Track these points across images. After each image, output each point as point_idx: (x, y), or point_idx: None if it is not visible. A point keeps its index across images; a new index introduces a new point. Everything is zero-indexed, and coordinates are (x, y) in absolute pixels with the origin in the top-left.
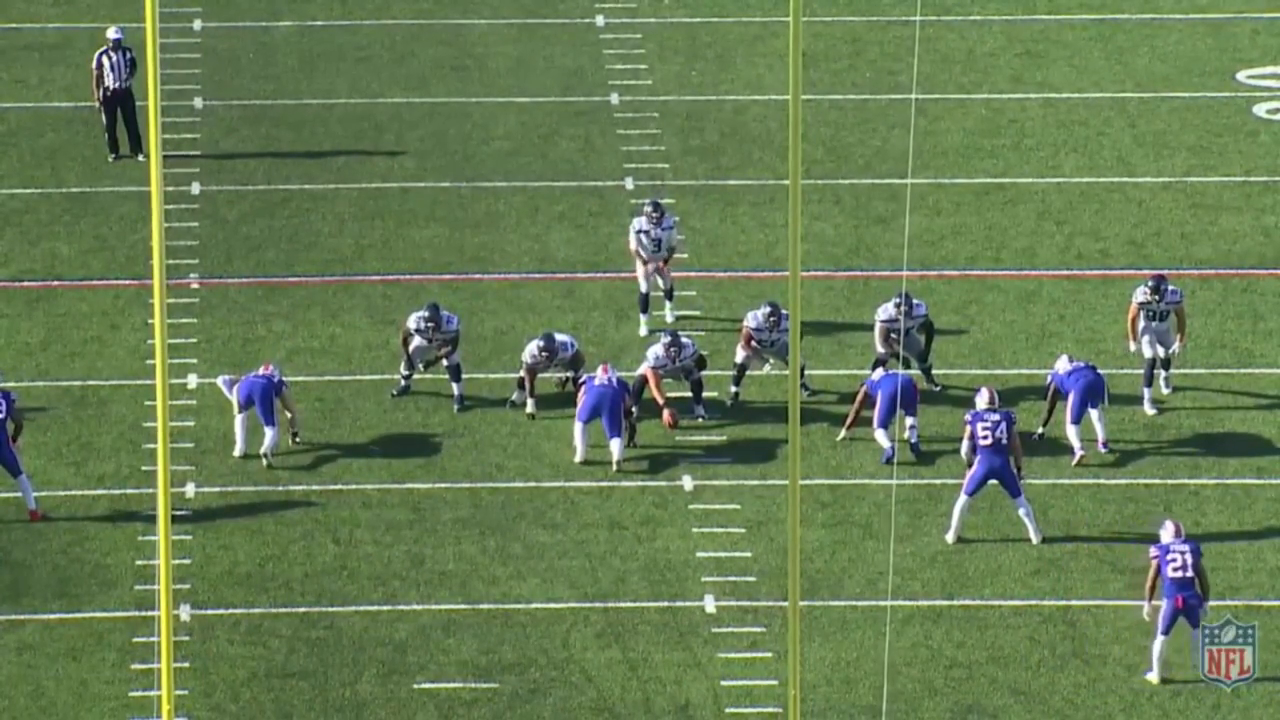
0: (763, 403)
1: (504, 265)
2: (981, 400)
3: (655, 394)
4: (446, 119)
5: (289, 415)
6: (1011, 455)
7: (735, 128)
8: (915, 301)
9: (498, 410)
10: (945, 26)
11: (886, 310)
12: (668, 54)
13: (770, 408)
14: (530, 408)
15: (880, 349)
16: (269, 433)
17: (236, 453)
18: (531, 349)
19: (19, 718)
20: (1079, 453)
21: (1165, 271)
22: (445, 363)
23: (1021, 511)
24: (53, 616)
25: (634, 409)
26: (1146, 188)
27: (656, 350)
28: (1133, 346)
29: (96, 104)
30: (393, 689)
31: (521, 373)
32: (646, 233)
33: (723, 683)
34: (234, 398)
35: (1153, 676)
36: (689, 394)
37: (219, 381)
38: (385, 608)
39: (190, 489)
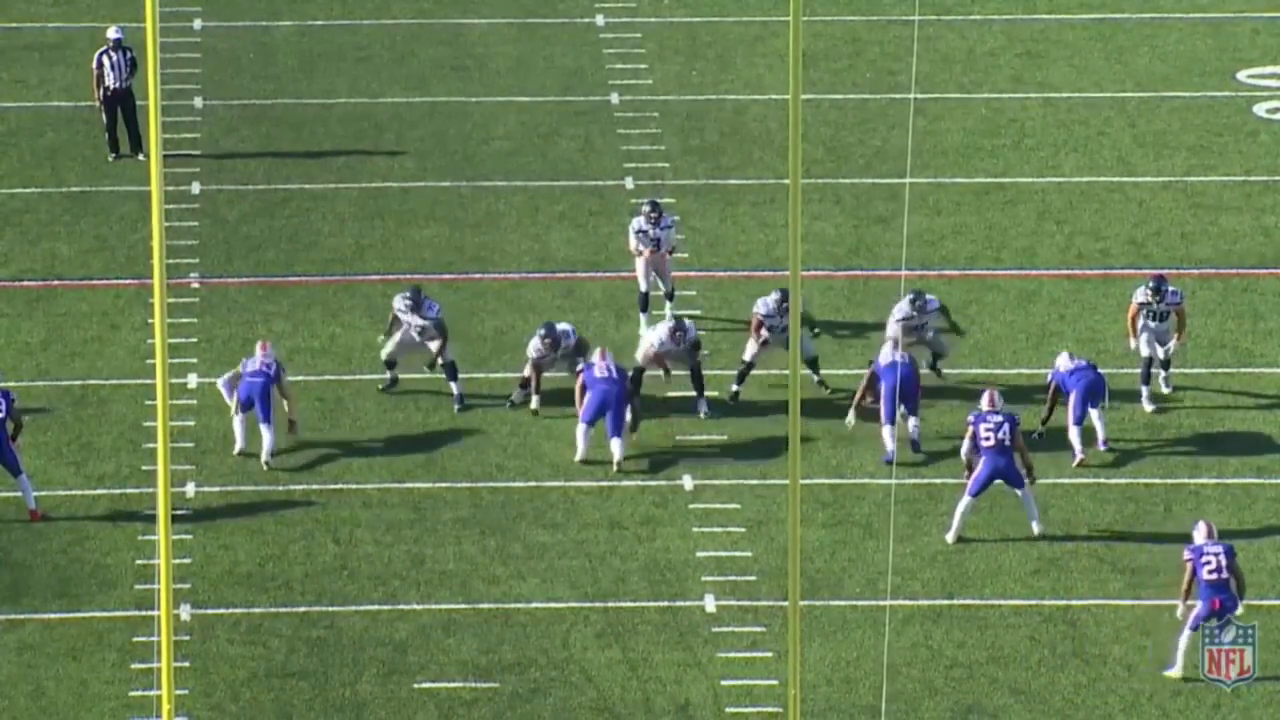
0: (763, 402)
1: (504, 265)
2: (985, 402)
3: (644, 366)
4: (446, 119)
5: (286, 404)
6: (1018, 455)
7: (735, 127)
8: (928, 297)
9: (498, 410)
10: (945, 26)
11: (902, 309)
12: (668, 54)
13: (770, 407)
14: (535, 404)
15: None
16: (266, 436)
17: (236, 450)
18: (535, 343)
19: (19, 717)
20: (1079, 455)
21: (1165, 271)
22: (440, 361)
23: (1021, 493)
24: (53, 616)
25: (636, 398)
26: (1147, 187)
27: (661, 334)
28: (1132, 344)
29: (97, 104)
30: (393, 689)
31: (527, 371)
32: (645, 232)
33: (723, 682)
34: (233, 400)
35: (1174, 672)
36: (691, 393)
37: (219, 384)
38: (385, 607)
39: (190, 488)
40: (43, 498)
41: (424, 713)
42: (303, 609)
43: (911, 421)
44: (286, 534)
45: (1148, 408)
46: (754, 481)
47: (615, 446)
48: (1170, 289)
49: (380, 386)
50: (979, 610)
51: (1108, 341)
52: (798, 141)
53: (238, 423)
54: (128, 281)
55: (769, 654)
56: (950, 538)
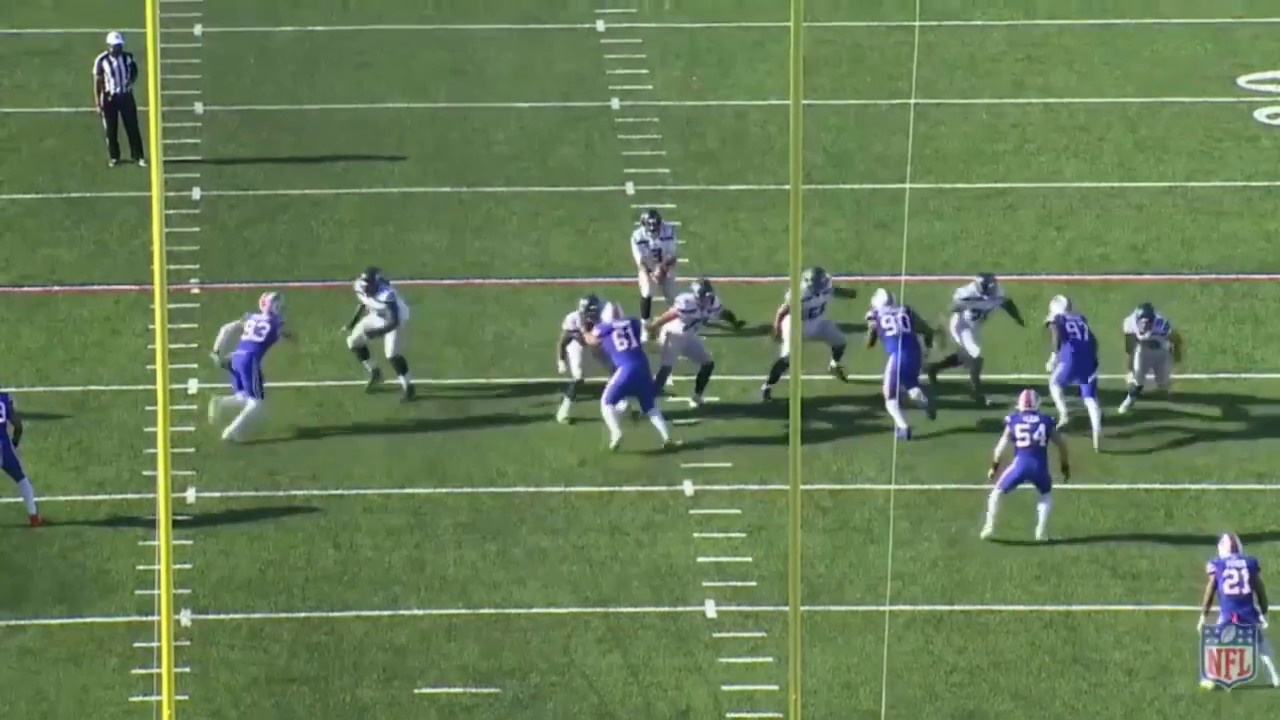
0: (763, 407)
1: (505, 270)
2: (1021, 403)
3: (659, 322)
4: (447, 124)
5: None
6: (1056, 454)
7: (736, 133)
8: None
9: (498, 415)
10: (946, 31)
11: (969, 289)
12: (668, 59)
13: (771, 412)
14: (565, 413)
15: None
16: (241, 411)
17: (234, 426)
18: (572, 316)
19: None
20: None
21: (1167, 277)
22: (388, 354)
23: (1042, 507)
24: (53, 621)
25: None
26: (1147, 192)
27: (688, 297)
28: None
29: (97, 109)
30: (394, 694)
31: (571, 369)
32: (645, 243)
33: (724, 688)
34: (218, 354)
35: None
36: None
37: (220, 332)
38: (386, 613)
39: (191, 494)
40: (43, 503)
41: (425, 718)
42: (303, 614)
43: (914, 391)
44: (287, 539)
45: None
46: (754, 487)
47: (659, 425)
48: (1159, 318)
49: (366, 387)
50: (980, 615)
51: (1105, 346)
52: (798, 147)
53: (218, 365)
54: (128, 287)
55: (770, 659)
56: (986, 533)
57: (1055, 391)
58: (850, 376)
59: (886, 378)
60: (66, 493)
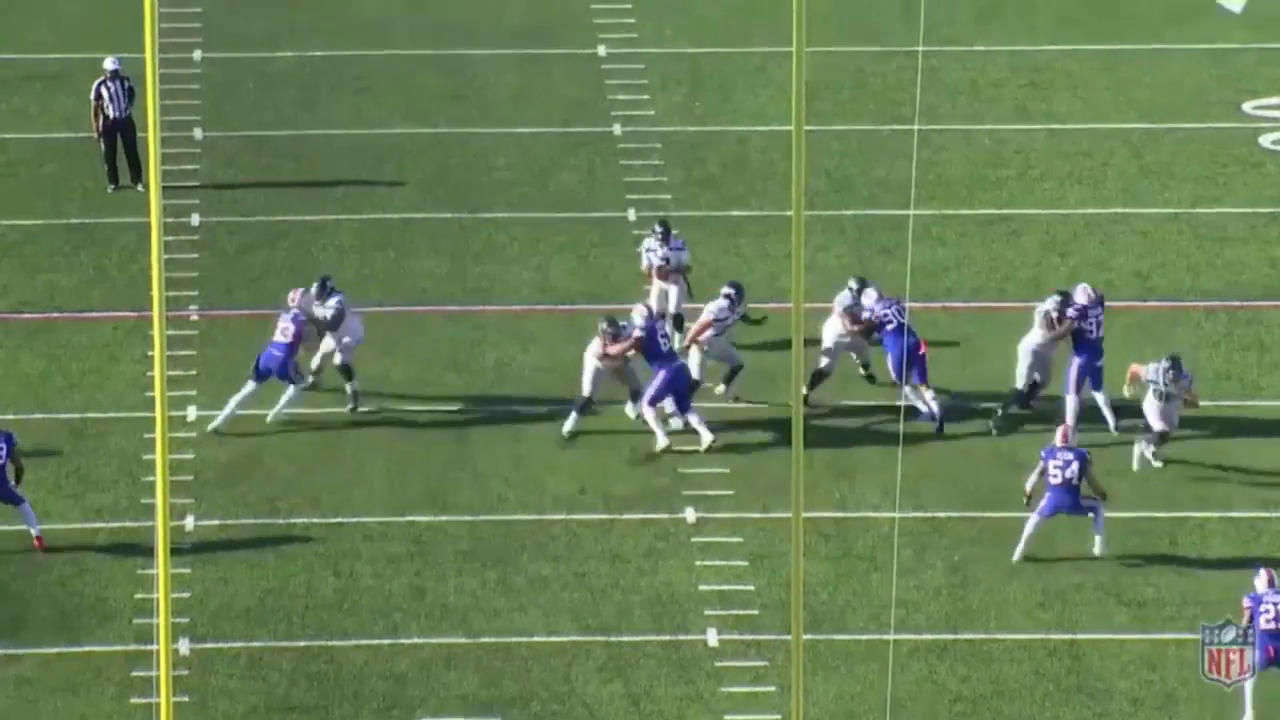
0: (765, 435)
1: (505, 297)
2: (1058, 438)
3: (694, 334)
4: (448, 149)
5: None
6: (1087, 486)
7: (738, 158)
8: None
9: (499, 442)
10: (949, 57)
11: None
12: (670, 84)
13: (772, 440)
14: (570, 426)
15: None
16: (286, 394)
17: (222, 416)
18: (720, 303)
19: None
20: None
21: (1171, 303)
22: (336, 361)
23: (1096, 534)
24: (51, 650)
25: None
26: (1152, 219)
27: (720, 303)
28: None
29: (96, 134)
30: None
31: (584, 385)
32: (655, 251)
33: (726, 717)
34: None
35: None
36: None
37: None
38: (386, 641)
39: (190, 522)
40: (41, 531)
41: None
42: (303, 643)
43: (930, 394)
44: (286, 567)
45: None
46: (756, 515)
47: (700, 429)
48: (1186, 372)
49: (348, 409)
50: (983, 644)
51: (1110, 372)
52: (801, 172)
53: (248, 390)
54: (127, 313)
55: (772, 688)
56: (1017, 556)
57: (1070, 403)
58: (850, 403)
59: (891, 370)
60: (64, 520)
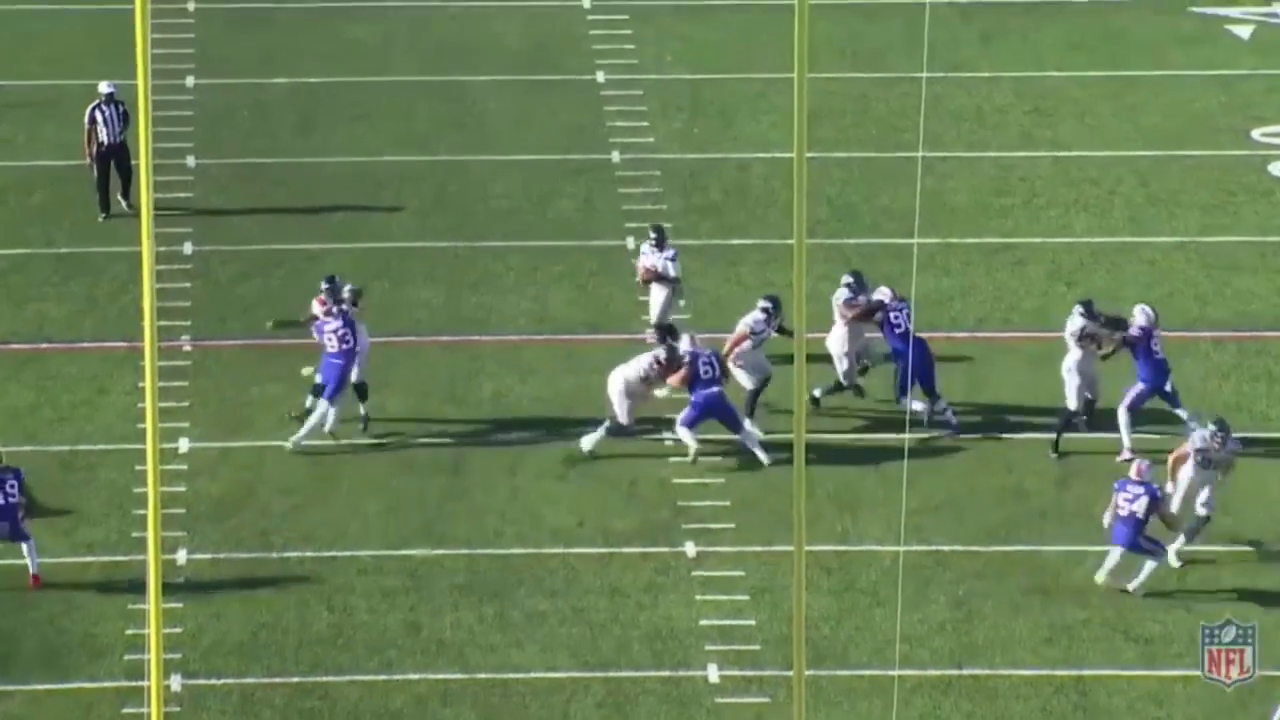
0: (766, 468)
1: (502, 326)
2: (1133, 471)
3: (731, 347)
4: (444, 177)
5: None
6: (1158, 520)
7: (739, 186)
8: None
9: (496, 474)
10: (953, 83)
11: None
12: (670, 111)
13: (774, 473)
14: (591, 444)
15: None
16: (322, 410)
17: (327, 429)
18: (756, 316)
19: None
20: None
21: (1179, 334)
22: (354, 377)
23: (1147, 563)
24: (41, 687)
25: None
26: (1159, 247)
27: (756, 315)
28: (1174, 501)
29: (88, 159)
30: None
31: (619, 413)
32: (647, 255)
33: None
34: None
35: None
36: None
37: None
38: (381, 677)
39: (182, 556)
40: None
41: None
42: (296, 679)
43: (941, 403)
44: (280, 602)
45: (1175, 563)
46: (758, 548)
47: (755, 448)
48: (1234, 435)
49: (360, 428)
50: (988, 680)
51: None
52: (803, 200)
53: (332, 412)
54: (118, 344)
55: None
56: (1099, 578)
57: (1124, 418)
58: (852, 435)
59: (896, 379)
60: (54, 555)
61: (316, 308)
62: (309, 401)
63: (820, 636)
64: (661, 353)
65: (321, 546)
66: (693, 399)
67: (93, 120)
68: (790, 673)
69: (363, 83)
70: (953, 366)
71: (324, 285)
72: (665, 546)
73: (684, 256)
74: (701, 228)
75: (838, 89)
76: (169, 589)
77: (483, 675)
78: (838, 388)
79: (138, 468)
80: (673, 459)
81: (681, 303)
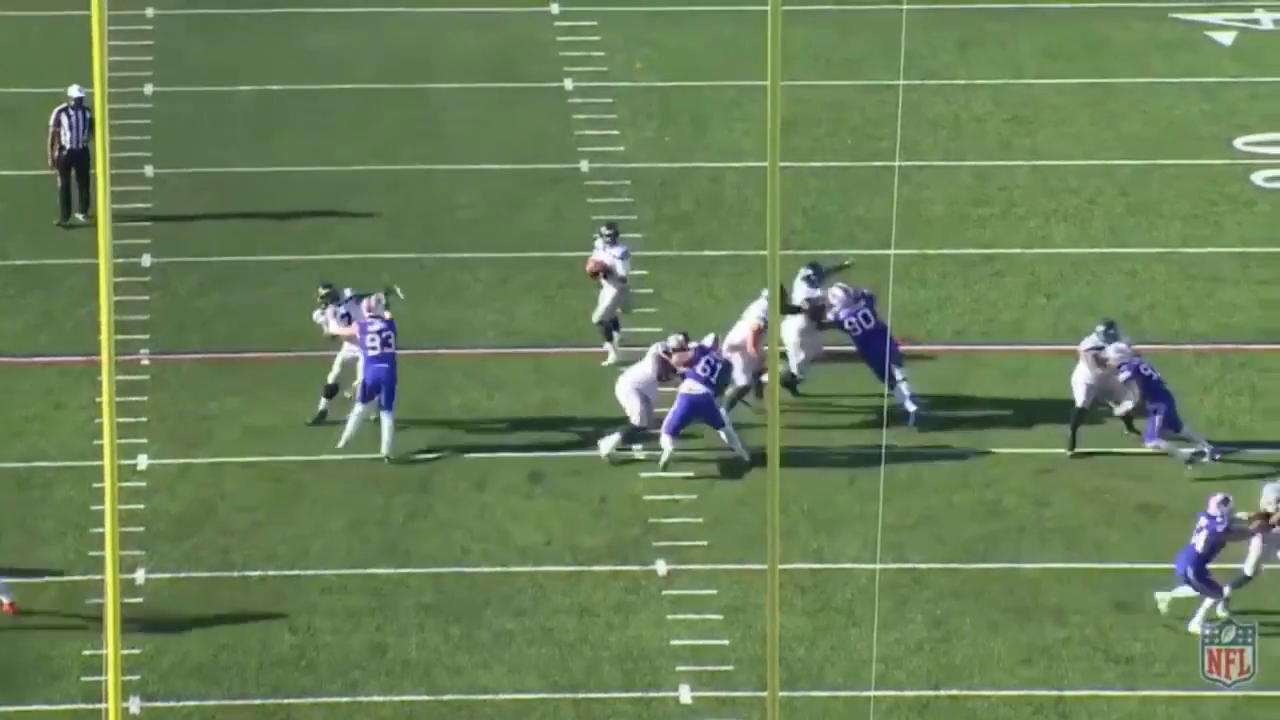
0: (740, 485)
1: (469, 339)
2: (1211, 503)
3: (752, 350)
4: (409, 186)
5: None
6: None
7: (711, 196)
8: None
9: (462, 491)
10: (930, 91)
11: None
12: (640, 119)
13: (747, 490)
14: (607, 448)
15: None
16: (387, 427)
17: (341, 444)
18: (762, 305)
19: None
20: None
21: (1161, 346)
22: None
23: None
24: None
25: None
26: (1140, 258)
27: (764, 304)
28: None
29: (50, 164)
30: None
31: (635, 415)
32: (600, 251)
33: None
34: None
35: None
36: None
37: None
38: (345, 699)
39: (140, 575)
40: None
41: None
42: (258, 701)
43: (902, 382)
44: (241, 623)
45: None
46: (731, 566)
47: (734, 443)
48: None
49: (308, 420)
50: (967, 701)
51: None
52: (777, 210)
53: (356, 415)
54: (74, 358)
55: None
56: (1160, 606)
57: (1164, 445)
58: (827, 448)
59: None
60: (9, 575)
61: (333, 324)
62: (321, 404)
63: (795, 657)
64: (672, 341)
65: (284, 565)
66: (680, 397)
67: (57, 124)
68: (764, 694)
69: (324, 90)
70: (930, 380)
71: (321, 291)
72: (636, 564)
73: (655, 268)
74: (673, 238)
75: (812, 96)
76: (127, 609)
77: (450, 697)
78: (791, 380)
79: (95, 485)
80: (644, 474)
81: (623, 307)
